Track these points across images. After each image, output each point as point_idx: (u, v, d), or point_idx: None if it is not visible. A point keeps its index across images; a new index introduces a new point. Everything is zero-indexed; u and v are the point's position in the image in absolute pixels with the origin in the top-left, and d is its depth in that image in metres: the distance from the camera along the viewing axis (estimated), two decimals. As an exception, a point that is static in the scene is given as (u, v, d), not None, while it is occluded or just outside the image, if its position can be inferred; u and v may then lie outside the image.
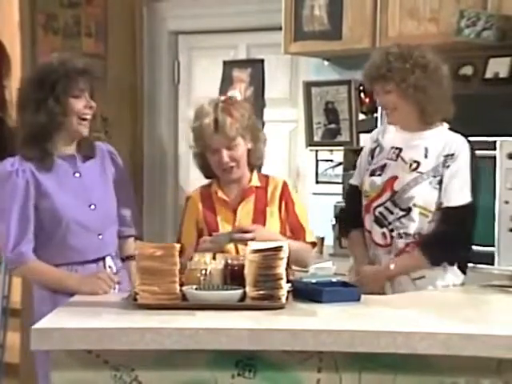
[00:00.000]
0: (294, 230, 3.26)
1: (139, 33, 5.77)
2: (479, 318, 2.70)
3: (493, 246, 3.89)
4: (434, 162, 3.20)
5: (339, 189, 4.74)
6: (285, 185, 3.30)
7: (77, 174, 3.05)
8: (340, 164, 4.90)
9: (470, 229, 3.25)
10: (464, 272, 3.29)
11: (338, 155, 4.92)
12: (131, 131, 5.79)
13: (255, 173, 3.30)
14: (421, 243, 3.19)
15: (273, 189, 3.27)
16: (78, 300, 2.82)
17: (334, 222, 4.60)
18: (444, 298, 3.09)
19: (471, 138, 3.40)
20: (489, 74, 4.20)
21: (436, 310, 2.78)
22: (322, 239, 4.65)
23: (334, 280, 2.94)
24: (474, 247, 3.85)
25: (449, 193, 3.18)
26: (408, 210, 3.20)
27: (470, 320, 2.63)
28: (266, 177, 3.32)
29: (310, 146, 5.06)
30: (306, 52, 4.80)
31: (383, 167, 3.28)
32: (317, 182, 5.05)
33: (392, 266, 3.19)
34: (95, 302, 2.78)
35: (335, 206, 4.61)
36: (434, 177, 3.19)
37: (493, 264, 3.90)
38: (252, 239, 2.96)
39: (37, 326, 2.47)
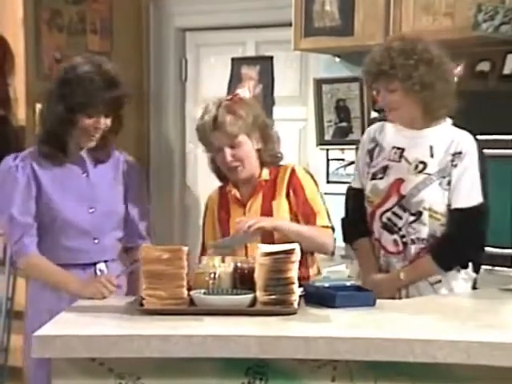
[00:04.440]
0: (305, 215, 3.16)
1: (145, 29, 5.76)
2: (500, 325, 2.61)
3: (510, 247, 3.82)
4: (441, 162, 3.08)
5: (351, 189, 4.66)
6: (292, 171, 3.19)
7: (84, 174, 3.03)
8: (351, 163, 4.81)
9: (482, 231, 3.11)
10: (477, 271, 3.18)
11: (350, 154, 4.84)
12: (137, 129, 5.74)
13: (265, 168, 3.20)
14: (431, 249, 3.08)
15: (280, 179, 3.19)
16: (80, 305, 2.77)
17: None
18: (461, 303, 3.02)
19: (488, 137, 3.32)
20: (507, 70, 4.17)
21: (454, 316, 2.70)
22: (334, 240, 4.55)
23: (347, 284, 2.87)
24: (492, 249, 3.77)
25: (457, 194, 3.06)
26: (419, 214, 3.08)
27: (490, 326, 2.54)
28: (277, 168, 3.22)
29: (321, 144, 5.00)
30: (316, 48, 4.74)
31: (385, 169, 3.15)
32: (328, 182, 4.99)
33: (402, 276, 3.09)
34: (99, 307, 2.73)
35: (346, 207, 4.52)
36: (444, 177, 3.07)
37: (510, 266, 3.82)
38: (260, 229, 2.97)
39: (38, 332, 2.41)
